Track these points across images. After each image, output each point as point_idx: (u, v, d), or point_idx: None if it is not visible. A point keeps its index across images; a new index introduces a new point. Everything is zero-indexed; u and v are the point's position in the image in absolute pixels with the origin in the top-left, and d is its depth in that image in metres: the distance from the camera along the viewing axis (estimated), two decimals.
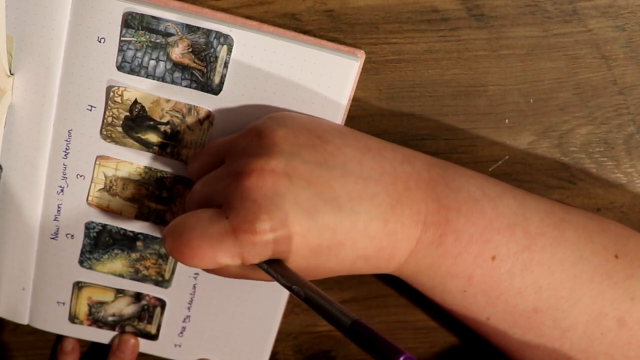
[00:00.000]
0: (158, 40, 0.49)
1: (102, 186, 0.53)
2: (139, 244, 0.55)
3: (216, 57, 0.49)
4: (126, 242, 0.55)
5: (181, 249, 0.45)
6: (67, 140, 0.52)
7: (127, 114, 0.51)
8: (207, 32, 0.49)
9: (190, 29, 0.49)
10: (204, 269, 0.47)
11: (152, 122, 0.51)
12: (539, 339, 0.49)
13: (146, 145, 0.52)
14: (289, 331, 0.59)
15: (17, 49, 0.50)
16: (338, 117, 0.51)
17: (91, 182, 0.53)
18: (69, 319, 0.57)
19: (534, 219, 0.49)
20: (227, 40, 0.49)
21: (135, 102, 0.50)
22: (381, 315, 0.59)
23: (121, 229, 0.54)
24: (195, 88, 0.50)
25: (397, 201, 0.46)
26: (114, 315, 0.57)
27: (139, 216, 0.54)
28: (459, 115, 0.53)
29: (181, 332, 0.58)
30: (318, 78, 0.49)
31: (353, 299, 0.58)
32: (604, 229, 0.50)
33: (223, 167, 0.47)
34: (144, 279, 0.56)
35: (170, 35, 0.49)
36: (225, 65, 0.49)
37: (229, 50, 0.49)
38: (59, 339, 0.59)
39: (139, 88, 0.50)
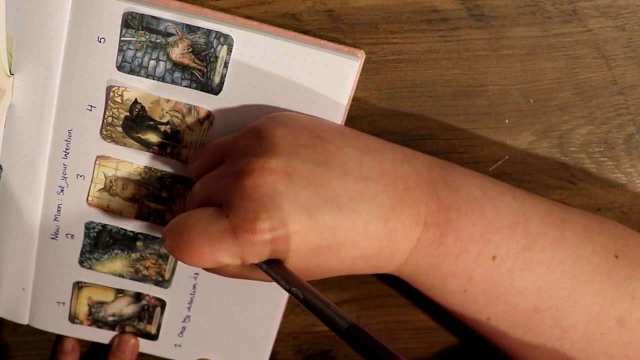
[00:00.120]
0: (158, 40, 0.49)
1: (102, 186, 0.53)
2: (139, 244, 0.55)
3: (216, 57, 0.49)
4: (126, 242, 0.55)
5: (181, 247, 0.45)
6: (67, 140, 0.52)
7: (127, 114, 0.51)
8: (207, 32, 0.49)
9: (190, 29, 0.49)
10: (203, 269, 0.47)
11: (152, 122, 0.51)
12: (539, 339, 0.49)
13: (146, 145, 0.52)
14: (289, 331, 0.59)
15: (17, 49, 0.50)
16: (338, 117, 0.51)
17: (91, 182, 0.53)
18: (69, 319, 0.57)
19: (534, 219, 0.49)
20: (227, 40, 0.49)
21: (135, 102, 0.50)
22: (381, 315, 0.59)
23: (121, 229, 0.54)
24: (195, 88, 0.50)
25: (397, 201, 0.46)
26: (114, 315, 0.57)
27: (139, 216, 0.54)
28: (459, 115, 0.53)
29: (181, 332, 0.58)
30: (318, 78, 0.49)
31: (353, 299, 0.58)
32: (604, 229, 0.50)
33: (223, 167, 0.47)
34: (144, 279, 0.56)
35: (170, 35, 0.49)
36: (225, 65, 0.49)
37: (229, 50, 0.49)
38: (59, 339, 0.59)
39: (139, 88, 0.50)
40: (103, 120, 0.51)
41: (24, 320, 0.58)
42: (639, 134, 0.53)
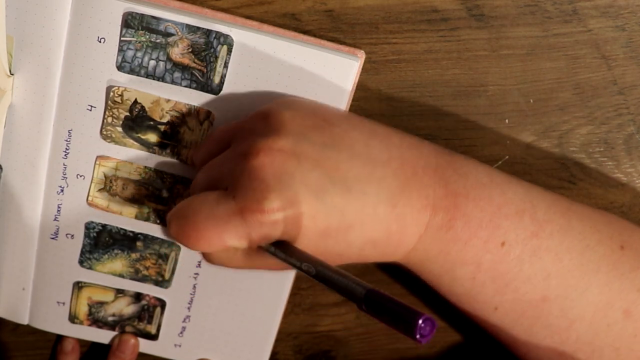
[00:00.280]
0: (158, 40, 0.49)
1: (102, 186, 0.53)
2: (139, 244, 0.55)
3: (216, 57, 0.49)
4: (126, 242, 0.55)
5: (187, 232, 0.44)
6: (67, 140, 0.52)
7: (127, 114, 0.51)
8: (207, 32, 0.49)
9: (190, 29, 0.49)
10: (208, 256, 0.46)
11: (152, 122, 0.51)
12: (545, 331, 0.49)
13: (146, 145, 0.52)
14: (289, 331, 0.59)
15: (17, 49, 0.50)
16: None
17: (91, 182, 0.53)
18: (69, 319, 0.57)
19: (541, 206, 0.48)
20: (227, 40, 0.49)
21: (135, 102, 0.50)
22: None
23: (121, 229, 0.54)
24: (195, 88, 0.50)
25: (405, 185, 0.46)
26: (114, 315, 0.57)
27: (139, 216, 0.54)
28: (459, 115, 0.53)
29: (181, 332, 0.58)
30: (318, 78, 0.49)
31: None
32: (608, 220, 0.50)
33: (228, 150, 0.47)
34: (144, 279, 0.56)
35: (170, 35, 0.49)
36: (225, 65, 0.49)
37: (229, 50, 0.49)
38: (59, 339, 0.59)
39: (139, 88, 0.50)
40: (103, 120, 0.51)
41: (24, 320, 0.58)
42: (639, 134, 0.53)
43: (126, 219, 0.54)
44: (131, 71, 0.50)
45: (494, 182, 0.48)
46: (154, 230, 0.54)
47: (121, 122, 0.51)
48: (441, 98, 0.52)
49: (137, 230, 0.54)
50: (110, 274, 0.56)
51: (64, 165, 0.53)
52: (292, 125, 0.45)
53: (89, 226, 0.54)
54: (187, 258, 0.55)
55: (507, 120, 0.53)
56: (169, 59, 0.49)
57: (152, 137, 0.51)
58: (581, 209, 0.50)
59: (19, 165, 0.53)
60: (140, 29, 0.49)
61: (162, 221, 0.54)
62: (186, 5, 0.49)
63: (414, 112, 0.53)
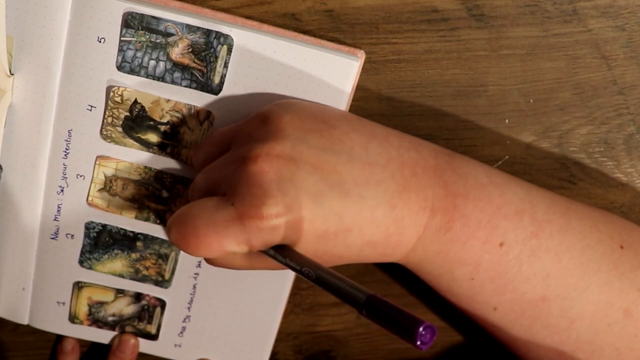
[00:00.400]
0: (158, 40, 0.49)
1: (102, 186, 0.53)
2: (139, 244, 0.55)
3: (216, 57, 0.49)
4: (126, 242, 0.55)
5: (187, 238, 0.44)
6: (67, 140, 0.52)
7: (127, 114, 0.51)
8: (207, 32, 0.49)
9: (190, 29, 0.49)
10: (209, 259, 0.46)
11: (152, 122, 0.51)
12: (545, 330, 0.49)
13: (146, 145, 0.52)
14: (289, 331, 0.59)
15: (17, 49, 0.50)
16: None
17: (91, 182, 0.53)
18: (69, 319, 0.57)
19: (540, 206, 0.48)
20: (227, 40, 0.49)
21: (135, 102, 0.50)
22: None
23: (121, 229, 0.54)
24: (195, 88, 0.50)
25: (403, 187, 0.46)
26: (114, 315, 0.57)
27: (139, 216, 0.54)
28: (459, 115, 0.53)
29: (181, 332, 0.58)
30: (318, 78, 0.49)
31: None
32: (608, 219, 0.50)
33: (228, 154, 0.47)
34: (144, 279, 0.56)
35: (170, 35, 0.49)
36: (225, 65, 0.49)
37: (229, 50, 0.49)
38: (59, 339, 0.59)
39: (139, 88, 0.50)
40: (103, 120, 0.51)
41: (24, 320, 0.58)
42: (639, 134, 0.53)
43: (126, 219, 0.54)
44: (131, 71, 0.50)
45: (494, 182, 0.48)
46: (154, 230, 0.54)
47: (121, 122, 0.51)
48: (441, 98, 0.52)
49: (137, 230, 0.54)
50: (110, 274, 0.56)
51: (64, 165, 0.53)
52: (291, 129, 0.45)
53: (89, 226, 0.54)
54: (187, 258, 0.55)
55: (507, 120, 0.53)
56: (169, 59, 0.49)
57: (152, 137, 0.51)
58: (581, 209, 0.50)
59: (19, 165, 0.53)
60: (140, 29, 0.49)
61: (162, 221, 0.54)
62: (186, 5, 0.49)
63: (414, 112, 0.53)
